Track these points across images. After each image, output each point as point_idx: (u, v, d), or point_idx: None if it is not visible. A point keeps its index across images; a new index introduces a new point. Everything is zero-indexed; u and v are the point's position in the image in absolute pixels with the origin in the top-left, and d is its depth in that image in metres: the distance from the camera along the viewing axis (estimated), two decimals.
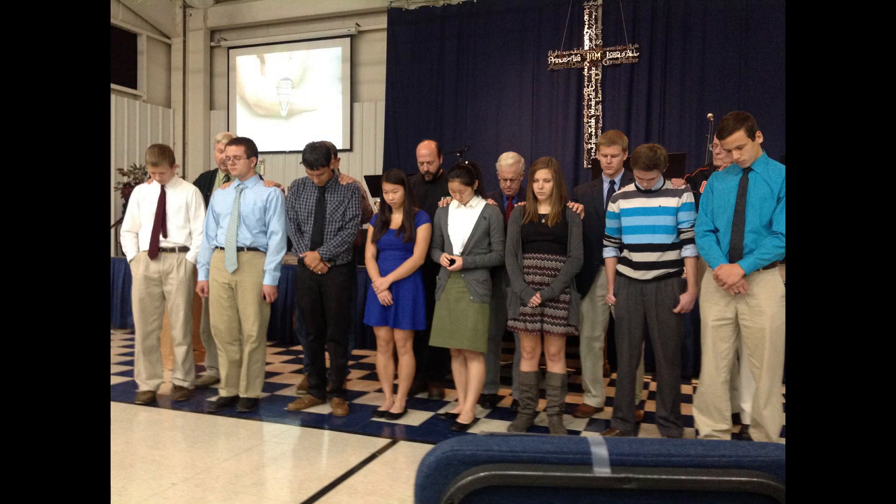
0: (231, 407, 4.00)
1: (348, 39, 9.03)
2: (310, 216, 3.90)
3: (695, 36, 7.30)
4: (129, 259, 4.19)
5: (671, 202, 3.32)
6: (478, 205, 3.69)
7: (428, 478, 0.85)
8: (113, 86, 8.97)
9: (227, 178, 4.42)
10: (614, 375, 3.69)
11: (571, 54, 7.71)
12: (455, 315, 3.60)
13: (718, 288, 3.12)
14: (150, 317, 4.15)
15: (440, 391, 4.36)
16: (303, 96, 9.33)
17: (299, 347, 5.60)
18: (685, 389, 4.03)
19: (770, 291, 3.02)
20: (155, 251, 4.09)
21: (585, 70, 7.67)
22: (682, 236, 3.32)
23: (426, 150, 4.24)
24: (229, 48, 9.74)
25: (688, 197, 3.32)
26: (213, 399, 4.11)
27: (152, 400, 4.17)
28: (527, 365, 3.55)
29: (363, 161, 9.03)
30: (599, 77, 7.62)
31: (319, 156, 3.79)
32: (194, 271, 4.16)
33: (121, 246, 4.39)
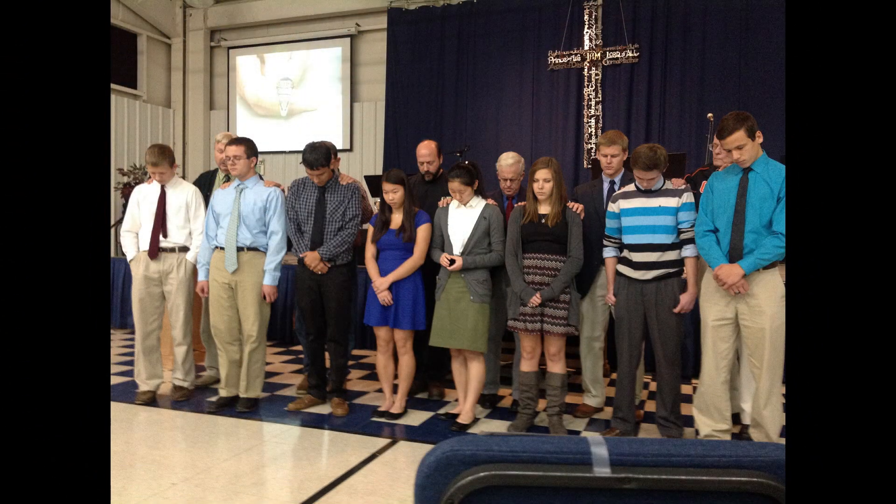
0: (231, 407, 4.00)
1: (348, 39, 9.03)
2: (310, 216, 3.90)
3: (695, 36, 7.30)
4: (129, 259, 4.19)
5: (671, 202, 3.32)
6: (478, 205, 3.69)
7: (428, 478, 0.85)
8: (113, 86, 8.97)
9: (227, 178, 4.42)
10: (614, 375, 3.69)
11: (571, 54, 7.71)
12: (455, 315, 3.60)
13: (718, 288, 3.12)
14: (150, 317, 4.15)
15: (440, 391, 4.35)
16: (303, 96, 9.33)
17: (299, 347, 5.60)
18: (685, 389, 4.03)
19: (770, 291, 3.02)
20: (155, 251, 4.09)
21: (585, 70, 7.67)
22: (682, 236, 3.32)
23: (426, 150, 4.24)
24: (229, 48, 9.74)
25: (688, 197, 3.32)
26: (213, 399, 4.11)
27: (152, 400, 4.17)
28: (527, 365, 3.55)
29: (363, 161, 9.03)
30: (599, 77, 7.62)
31: (319, 156, 3.79)
32: (194, 271, 4.16)
33: (121, 246, 4.39)
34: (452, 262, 3.60)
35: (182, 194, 4.16)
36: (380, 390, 4.19)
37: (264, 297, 3.95)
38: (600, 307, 3.80)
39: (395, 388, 3.94)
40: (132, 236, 4.18)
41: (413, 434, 3.59)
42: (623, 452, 0.84)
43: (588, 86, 7.66)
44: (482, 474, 0.83)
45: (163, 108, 9.80)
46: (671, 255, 3.33)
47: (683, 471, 0.82)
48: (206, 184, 4.64)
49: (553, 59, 7.77)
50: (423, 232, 3.73)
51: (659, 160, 3.26)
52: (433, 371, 4.38)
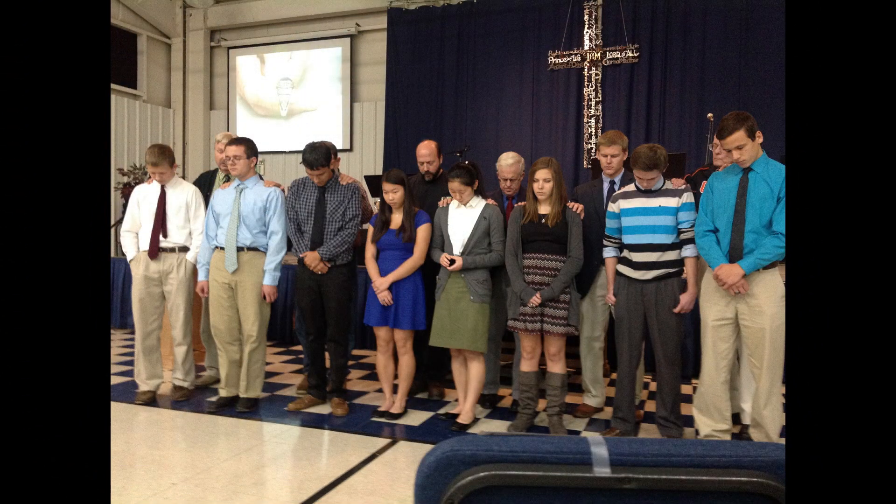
0: (231, 407, 4.00)
1: (348, 39, 9.03)
2: (310, 216, 3.90)
3: (695, 36, 7.30)
4: (129, 259, 4.19)
5: (671, 202, 3.32)
6: (478, 205, 3.69)
7: (428, 478, 0.85)
8: (113, 86, 8.97)
9: (227, 178, 4.42)
10: (614, 375, 3.69)
11: (571, 54, 7.71)
12: (455, 315, 3.60)
13: (718, 288, 3.12)
14: (150, 317, 4.15)
15: (440, 391, 4.35)
16: (303, 96, 9.33)
17: (299, 347, 5.60)
18: (685, 389, 4.03)
19: (770, 291, 3.02)
20: (155, 251, 4.09)
21: (585, 70, 7.67)
22: (682, 236, 3.32)
23: (426, 150, 4.24)
24: (229, 48, 9.74)
25: (688, 197, 3.32)
26: (213, 399, 4.11)
27: (152, 400, 4.17)
28: (527, 365, 3.55)
29: (363, 161, 9.03)
30: (599, 77, 7.62)
31: (319, 156, 3.79)
32: (194, 271, 4.16)
33: (121, 246, 4.39)
34: (452, 262, 3.60)
35: (182, 194, 4.16)
36: (380, 390, 4.19)
37: (264, 297, 3.95)
38: (600, 307, 3.80)
39: (395, 388, 3.94)
40: (132, 236, 4.18)
41: (413, 434, 3.59)
42: (623, 452, 0.84)
43: (588, 86, 7.66)
44: (482, 474, 0.83)
45: (163, 108, 9.80)
46: (671, 255, 3.33)
47: (683, 471, 0.82)
48: (206, 184, 4.64)
49: (553, 59, 7.77)
50: (423, 232, 3.73)
51: (659, 160, 3.26)
52: (433, 371, 4.38)
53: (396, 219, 3.78)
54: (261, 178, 4.08)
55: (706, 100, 7.15)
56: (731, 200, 3.07)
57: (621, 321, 3.44)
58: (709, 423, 3.24)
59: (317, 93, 9.25)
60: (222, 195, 4.03)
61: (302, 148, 3.91)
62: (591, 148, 7.53)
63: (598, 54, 7.59)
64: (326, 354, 4.06)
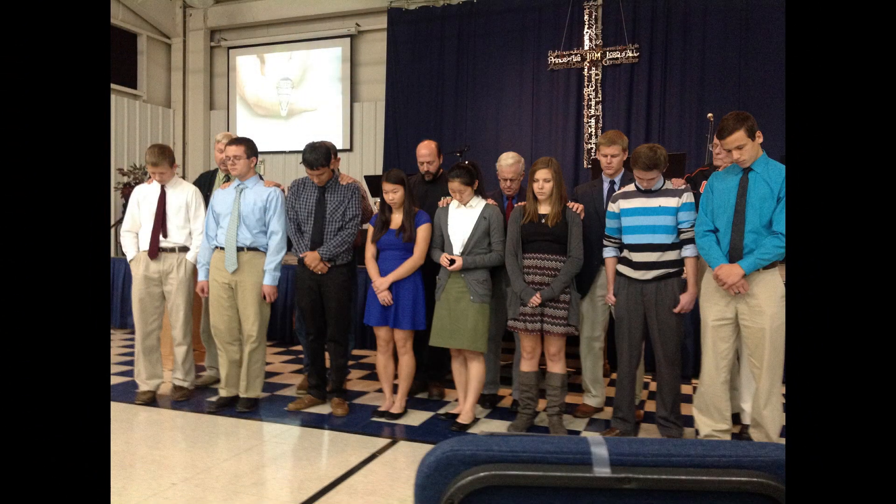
0: (231, 407, 4.00)
1: (348, 39, 9.03)
2: (310, 216, 3.90)
3: (695, 36, 7.30)
4: (129, 259, 4.19)
5: (671, 202, 3.32)
6: (478, 205, 3.69)
7: (428, 478, 0.85)
8: (113, 86, 8.97)
9: (227, 178, 4.42)
10: (614, 375, 3.69)
11: (571, 54, 7.71)
12: (455, 315, 3.60)
13: (718, 288, 3.12)
14: (150, 317, 4.15)
15: (440, 391, 4.35)
16: (303, 96, 9.33)
17: (299, 347, 5.60)
18: (685, 389, 4.03)
19: (770, 291, 3.02)
20: (155, 251, 4.09)
21: (585, 70, 7.67)
22: (682, 236, 3.32)
23: (426, 150, 4.24)
24: (229, 48, 9.74)
25: (688, 197, 3.32)
26: (213, 399, 4.11)
27: (152, 400, 4.17)
28: (527, 365, 3.55)
29: (363, 161, 9.03)
30: (599, 77, 7.62)
31: (319, 156, 3.79)
32: (194, 271, 4.16)
33: (121, 246, 4.39)
34: (452, 262, 3.60)
35: (182, 194, 4.16)
36: (380, 390, 4.19)
37: (264, 297, 3.95)
38: (600, 307, 3.80)
39: (395, 388, 3.94)
40: (132, 236, 4.18)
41: (413, 434, 3.59)
42: (623, 452, 0.84)
43: (588, 86, 7.66)
44: (482, 474, 0.83)
45: (163, 108, 9.80)
46: (671, 255, 3.33)
47: (683, 471, 0.82)
48: (206, 184, 4.64)
49: (553, 59, 7.77)
50: (423, 232, 3.73)
51: (659, 160, 3.26)
52: (433, 371, 4.38)
53: (396, 219, 3.78)
54: (261, 178, 4.08)
55: (706, 100, 7.15)
56: (731, 200, 3.07)
57: (621, 321, 3.44)
58: (709, 423, 3.24)
59: (317, 93, 9.25)
60: (222, 195, 4.03)
61: (302, 148, 3.90)
62: (591, 148, 7.53)
63: (598, 54, 7.59)
64: (326, 354, 4.06)
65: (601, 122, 7.64)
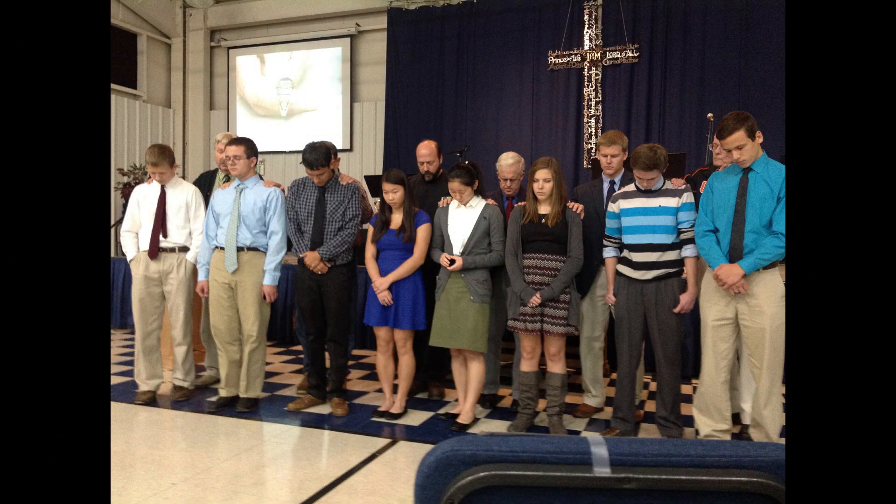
0: (231, 407, 4.00)
1: (348, 39, 9.03)
2: (310, 216, 3.90)
3: (695, 36, 7.30)
4: (129, 259, 4.19)
5: (671, 202, 3.32)
6: (478, 205, 3.69)
7: (428, 478, 0.85)
8: (113, 86, 8.97)
9: (227, 178, 4.42)
10: (614, 375, 3.69)
11: (571, 54, 7.71)
12: (455, 315, 3.60)
13: (718, 288, 3.12)
14: (150, 317, 4.15)
15: (440, 391, 4.35)
16: (303, 96, 9.33)
17: (299, 347, 5.60)
18: (685, 389, 4.03)
19: (770, 291, 3.02)
20: (155, 251, 4.09)
21: (585, 70, 7.67)
22: (682, 236, 3.32)
23: (426, 150, 4.24)
24: (229, 48, 9.74)
25: (688, 197, 3.32)
26: (213, 399, 4.11)
27: (152, 400, 4.17)
28: (527, 365, 3.55)
29: (363, 161, 9.03)
30: (599, 77, 7.62)
31: (319, 156, 3.79)
32: (194, 271, 4.16)
33: (121, 246, 4.39)
34: (452, 262, 3.60)
35: (182, 194, 4.16)
36: (380, 390, 4.19)
37: (264, 297, 3.95)
38: (600, 307, 3.80)
39: (395, 388, 3.94)
40: (132, 236, 4.18)
41: (413, 434, 3.59)
42: (623, 452, 0.84)
43: (588, 86, 7.66)
44: (482, 474, 0.83)
45: (163, 108, 9.80)
46: (671, 255, 3.33)
47: (683, 471, 0.82)
48: (206, 184, 4.64)
49: (553, 59, 7.77)
50: (423, 232, 3.73)
51: (659, 160, 3.26)
52: (433, 371, 4.38)
53: (396, 219, 3.78)
54: (261, 178, 4.08)
55: (706, 100, 7.15)
56: (731, 200, 3.07)
57: (621, 321, 3.44)
58: (709, 423, 3.24)
59: (317, 93, 9.25)
60: (222, 195, 4.03)
61: (302, 148, 3.90)
62: (591, 148, 7.53)
63: (598, 54, 7.59)
64: (326, 354, 4.06)
65: (601, 122, 7.64)
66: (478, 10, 8.13)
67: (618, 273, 3.47)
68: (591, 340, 3.86)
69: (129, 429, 3.65)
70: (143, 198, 4.18)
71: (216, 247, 3.99)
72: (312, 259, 3.83)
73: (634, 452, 0.84)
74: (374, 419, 3.82)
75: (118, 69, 9.10)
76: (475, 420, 3.80)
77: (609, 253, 3.53)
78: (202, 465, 3.06)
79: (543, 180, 3.44)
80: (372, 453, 3.25)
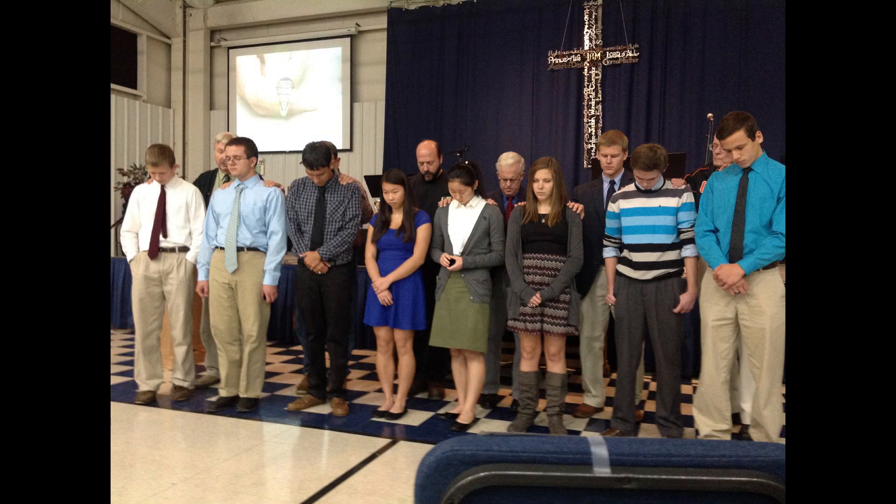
0: (231, 407, 4.00)
1: (348, 39, 9.03)
2: (310, 216, 3.90)
3: (695, 36, 7.30)
4: (129, 259, 4.19)
5: (671, 202, 3.32)
6: (478, 205, 3.69)
7: (428, 478, 0.85)
8: (113, 86, 8.97)
9: (227, 178, 4.42)
10: (614, 375, 3.69)
11: (571, 54, 7.71)
12: (455, 315, 3.60)
13: (718, 288, 3.12)
14: (150, 317, 4.15)
15: (440, 391, 4.35)
16: (303, 96, 9.33)
17: (299, 347, 5.60)
18: (685, 389, 4.03)
19: (770, 291, 3.02)
20: (155, 251, 4.09)
21: (585, 70, 7.67)
22: (682, 236, 3.32)
23: (426, 150, 4.24)
24: (229, 48, 9.74)
25: (688, 197, 3.32)
26: (213, 399, 4.11)
27: (152, 400, 4.17)
28: (527, 365, 3.55)
29: (363, 161, 9.03)
30: (599, 77, 7.62)
31: (319, 156, 3.79)
32: (194, 271, 4.16)
33: (121, 246, 4.39)
34: (452, 262, 3.60)
35: (182, 194, 4.16)
36: (380, 390, 4.19)
37: (264, 297, 3.95)
38: (600, 307, 3.80)
39: (395, 388, 3.94)
40: (132, 236, 4.18)
41: (413, 434, 3.59)
42: (623, 452, 0.84)
43: (588, 86, 7.66)
44: (482, 474, 0.83)
45: (163, 108, 9.80)
46: (671, 255, 3.33)
47: (683, 471, 0.82)
48: (206, 184, 4.64)
49: (553, 59, 7.77)
50: (423, 232, 3.73)
51: (659, 160, 3.26)
52: (433, 371, 4.38)
53: (396, 219, 3.78)
54: (261, 178, 4.08)
55: (706, 100, 7.15)
56: (731, 200, 3.07)
57: (621, 321, 3.44)
58: (709, 423, 3.24)
59: (317, 93, 9.25)
60: (222, 195, 4.03)
61: (302, 148, 3.90)
62: (591, 148, 7.53)
63: (598, 54, 7.59)
64: (326, 354, 4.06)
65: (601, 122, 7.64)
66: (478, 10, 8.13)
67: (618, 273, 3.47)
68: (591, 340, 3.86)
69: (129, 429, 3.65)
70: (143, 198, 4.18)
71: (216, 247, 3.99)
72: (312, 259, 3.83)
73: (634, 452, 0.84)
74: (374, 419, 3.82)
75: (118, 69, 9.10)
76: (475, 420, 3.80)
77: (609, 253, 3.53)
78: (202, 465, 3.06)
79: (543, 180, 3.44)
80: (372, 453, 3.25)
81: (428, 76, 8.41)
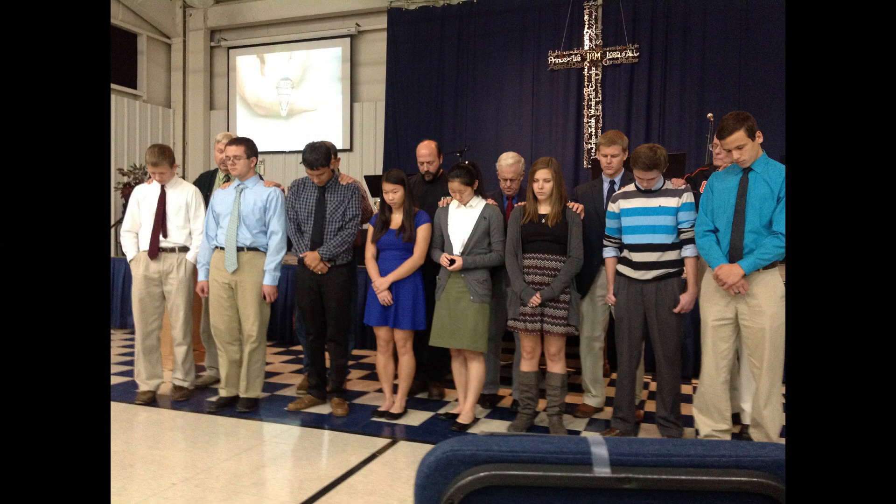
0: (231, 407, 4.00)
1: (348, 39, 9.04)
2: (310, 216, 3.90)
3: (695, 36, 7.30)
4: (129, 259, 4.19)
5: (671, 202, 3.32)
6: (478, 205, 3.69)
7: (428, 478, 0.85)
8: (113, 86, 8.97)
9: (227, 178, 4.42)
10: (614, 375, 3.69)
11: (571, 54, 7.71)
12: (455, 315, 3.60)
13: (718, 288, 3.12)
14: (150, 317, 4.15)
15: (440, 391, 4.35)
16: (303, 96, 9.33)
17: (299, 347, 5.60)
18: (685, 389, 4.03)
19: (770, 291, 3.02)
20: (155, 251, 4.09)
21: (585, 70, 7.67)
22: (682, 236, 3.32)
23: (426, 150, 4.24)
24: (229, 48, 9.74)
25: (688, 197, 3.32)
26: (213, 399, 4.11)
27: (152, 400, 4.17)
28: (527, 365, 3.55)
29: (363, 161, 9.03)
30: (599, 77, 7.62)
31: (319, 156, 3.79)
32: (194, 271, 4.16)
33: (121, 246, 4.39)
34: (452, 262, 3.60)
35: (182, 194, 4.16)
36: (380, 390, 4.19)
37: (264, 297, 3.95)
38: (600, 307, 3.80)
39: (395, 388, 3.94)
40: (132, 236, 4.18)
41: (413, 434, 3.59)
42: (623, 452, 0.84)
43: (588, 86, 7.66)
44: (482, 474, 0.83)
45: (163, 108, 9.80)
46: (671, 255, 3.33)
47: (683, 471, 0.82)
48: (206, 184, 4.64)
49: (553, 59, 7.77)
50: (423, 232, 3.73)
51: (659, 160, 3.26)
52: (433, 371, 4.38)
53: (396, 219, 3.78)
54: (261, 178, 4.08)
55: (706, 100, 7.15)
56: (731, 200, 3.07)
57: (621, 321, 3.44)
58: (709, 423, 3.24)
59: (317, 93, 9.25)
60: (222, 195, 4.03)
61: (302, 148, 3.90)
62: (591, 148, 7.53)
63: (598, 54, 7.59)
64: (326, 354, 4.06)
65: (601, 122, 7.64)
66: (478, 10, 8.13)
67: (618, 273, 3.47)
68: (591, 340, 3.86)
69: (129, 429, 3.65)
70: (143, 198, 4.18)
71: (216, 247, 3.99)
72: (312, 259, 3.83)
73: (634, 452, 0.84)
74: (374, 419, 3.82)
75: (118, 69, 9.10)
76: (475, 420, 3.80)
77: (609, 253, 3.53)
78: (202, 465, 3.06)
79: (543, 180, 3.44)
80: (372, 453, 3.25)
81: (428, 76, 8.41)
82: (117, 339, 6.34)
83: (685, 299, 3.30)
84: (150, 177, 4.22)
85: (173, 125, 9.93)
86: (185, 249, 4.16)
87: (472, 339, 3.58)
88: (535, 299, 3.39)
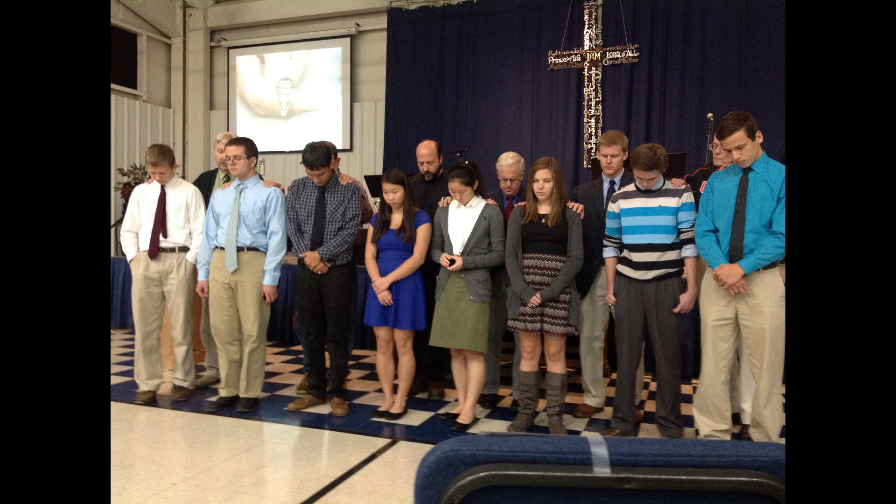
0: (231, 407, 4.00)
1: (348, 39, 9.04)
2: (310, 216, 3.90)
3: (695, 36, 7.30)
4: (129, 259, 4.19)
5: (671, 202, 3.32)
6: (478, 205, 3.69)
7: (428, 478, 0.85)
8: (113, 86, 8.97)
9: (227, 178, 4.42)
10: (614, 375, 3.69)
11: (571, 54, 7.71)
12: (455, 315, 3.60)
13: (718, 288, 3.12)
14: (150, 317, 4.15)
15: (440, 391, 4.35)
16: (303, 96, 9.33)
17: (299, 347, 5.60)
18: (685, 389, 4.03)
19: (770, 291, 3.02)
20: (155, 251, 4.09)
21: (585, 70, 7.67)
22: (682, 236, 3.32)
23: (426, 150, 4.24)
24: (229, 48, 9.74)
25: (688, 197, 3.32)
26: (213, 399, 4.11)
27: (152, 400, 4.17)
28: (527, 365, 3.55)
29: (363, 161, 9.03)
30: (599, 77, 7.62)
31: (319, 156, 3.79)
32: (194, 271, 4.16)
33: (121, 246, 4.39)
34: (452, 262, 3.60)
35: (182, 194, 4.16)
36: (380, 390, 4.19)
37: (264, 297, 3.95)
38: (600, 307, 3.80)
39: (395, 388, 3.94)
40: (132, 236, 4.18)
41: (413, 434, 3.58)
42: (623, 452, 0.84)
43: (588, 86, 7.66)
44: (482, 474, 0.83)
45: (163, 108, 9.80)
46: (671, 255, 3.33)
47: (683, 471, 0.82)
48: (206, 184, 4.64)
49: (553, 59, 7.77)
50: (423, 232, 3.73)
51: (659, 160, 3.26)
52: (433, 371, 4.38)
53: (396, 219, 3.78)
54: (261, 178, 4.08)
55: (706, 100, 7.15)
56: (731, 200, 3.07)
57: (621, 321, 3.44)
58: (709, 423, 3.24)
59: (317, 93, 9.25)
60: (222, 195, 4.03)
61: (302, 148, 3.90)
62: (591, 148, 7.53)
63: (598, 54, 7.59)
64: (326, 354, 4.06)
65: (601, 122, 7.64)
66: (478, 10, 8.13)
67: (618, 273, 3.47)
68: (591, 340, 3.86)
69: (129, 429, 3.65)
70: (143, 198, 4.18)
71: (216, 247, 3.99)
72: (312, 259, 3.83)
73: (634, 452, 0.84)
74: (374, 419, 3.82)
75: (118, 69, 9.10)
76: (475, 420, 3.80)
77: (609, 253, 3.53)
78: (202, 465, 3.06)
79: (543, 180, 3.44)
80: (372, 453, 3.25)
81: (428, 76, 8.41)
82: (117, 339, 6.34)
83: (685, 299, 3.30)
84: (150, 177, 4.22)
85: (173, 125, 9.93)
86: (185, 249, 4.16)
87: (472, 339, 3.58)
88: (535, 299, 3.39)
